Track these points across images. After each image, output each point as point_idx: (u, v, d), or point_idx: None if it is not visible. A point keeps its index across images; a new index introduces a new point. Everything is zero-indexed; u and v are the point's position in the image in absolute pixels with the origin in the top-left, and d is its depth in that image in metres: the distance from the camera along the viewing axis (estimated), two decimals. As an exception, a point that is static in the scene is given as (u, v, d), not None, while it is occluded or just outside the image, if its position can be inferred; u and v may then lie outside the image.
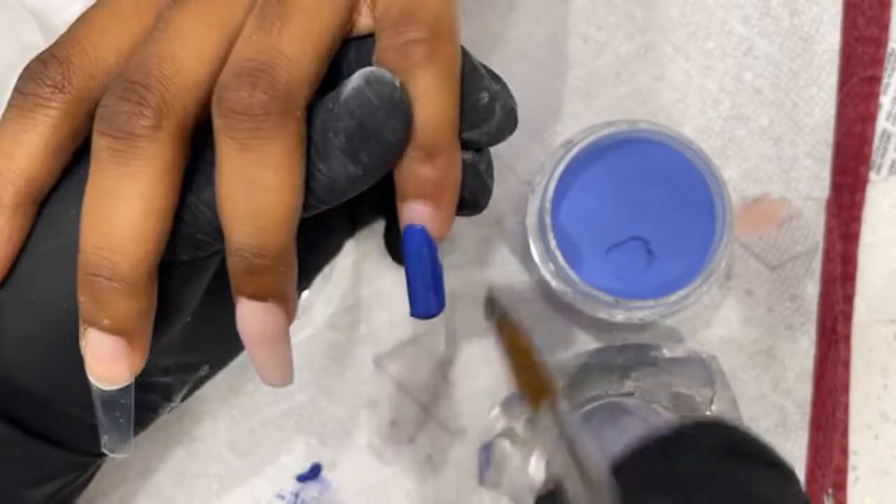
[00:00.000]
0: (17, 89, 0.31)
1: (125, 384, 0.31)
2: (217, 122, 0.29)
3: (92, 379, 0.31)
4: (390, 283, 0.44)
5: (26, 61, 0.41)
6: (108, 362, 0.30)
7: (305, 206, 0.30)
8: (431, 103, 0.30)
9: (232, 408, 0.44)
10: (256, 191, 0.29)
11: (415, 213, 0.32)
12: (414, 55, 0.30)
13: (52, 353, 0.32)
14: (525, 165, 0.44)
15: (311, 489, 0.44)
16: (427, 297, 0.32)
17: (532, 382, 0.34)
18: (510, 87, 0.34)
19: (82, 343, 0.30)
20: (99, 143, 0.29)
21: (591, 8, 0.45)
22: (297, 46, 0.30)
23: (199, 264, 0.32)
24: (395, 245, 0.37)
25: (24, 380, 0.32)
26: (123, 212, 0.29)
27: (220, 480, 0.44)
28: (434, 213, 0.32)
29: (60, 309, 0.31)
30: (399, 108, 0.30)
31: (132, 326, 0.30)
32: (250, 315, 0.31)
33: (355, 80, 0.30)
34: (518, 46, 0.45)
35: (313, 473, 0.44)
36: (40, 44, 0.41)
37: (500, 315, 0.39)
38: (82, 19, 0.32)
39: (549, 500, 0.35)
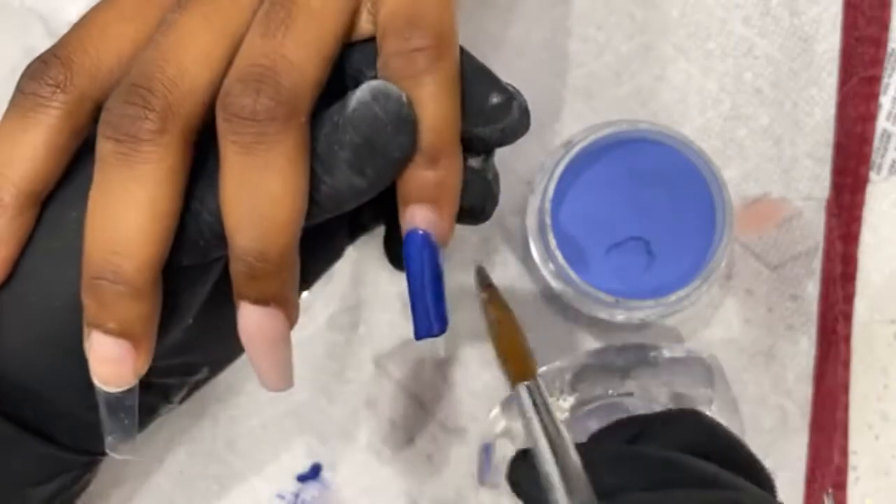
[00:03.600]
0: (18, 89, 0.31)
1: (130, 386, 0.31)
2: (221, 126, 0.29)
3: (96, 381, 0.31)
4: (390, 283, 0.44)
5: (30, 63, 0.41)
6: (112, 365, 0.30)
7: (309, 214, 0.30)
8: (435, 109, 0.31)
9: (232, 408, 0.44)
10: (260, 195, 0.29)
11: (417, 217, 0.32)
12: (419, 62, 0.30)
13: (52, 353, 0.32)
14: (525, 165, 0.44)
15: (311, 489, 0.44)
16: (428, 312, 0.32)
17: (513, 360, 0.35)
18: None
19: (86, 345, 0.30)
20: (104, 146, 0.29)
21: (591, 8, 0.45)
22: (301, 52, 0.30)
23: (202, 269, 0.32)
24: (396, 251, 0.37)
25: (24, 379, 0.32)
26: (129, 216, 0.29)
27: (219, 481, 0.44)
28: (436, 216, 0.32)
29: (60, 309, 0.31)
30: (407, 124, 0.30)
31: (137, 329, 0.30)
32: (252, 319, 0.31)
33: (361, 93, 0.30)
34: (518, 46, 0.45)
35: (313, 473, 0.44)
36: (45, 45, 0.41)
37: (488, 288, 0.40)
38: (84, 20, 0.32)
39: (521, 461, 0.35)
